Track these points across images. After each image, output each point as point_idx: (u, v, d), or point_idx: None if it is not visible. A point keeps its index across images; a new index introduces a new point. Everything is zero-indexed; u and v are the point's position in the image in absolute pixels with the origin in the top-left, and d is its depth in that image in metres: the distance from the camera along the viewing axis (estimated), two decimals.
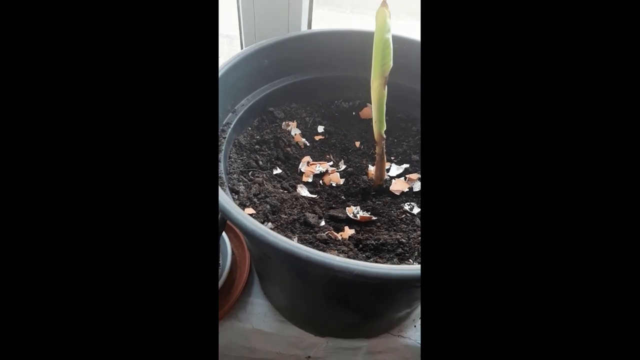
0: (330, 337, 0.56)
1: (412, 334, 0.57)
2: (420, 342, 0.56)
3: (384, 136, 0.44)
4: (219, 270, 0.58)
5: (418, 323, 0.58)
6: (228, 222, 0.66)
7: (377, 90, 0.41)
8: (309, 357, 0.57)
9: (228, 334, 0.56)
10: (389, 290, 0.39)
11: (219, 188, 0.34)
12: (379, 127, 0.43)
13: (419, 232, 0.43)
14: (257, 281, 0.61)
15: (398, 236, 0.42)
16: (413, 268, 0.30)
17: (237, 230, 0.65)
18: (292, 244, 0.30)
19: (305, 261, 0.29)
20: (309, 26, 0.65)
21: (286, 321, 0.57)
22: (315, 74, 0.57)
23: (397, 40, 0.53)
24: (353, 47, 0.55)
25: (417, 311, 0.59)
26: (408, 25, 0.81)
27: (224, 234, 0.63)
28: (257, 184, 0.45)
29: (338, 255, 0.34)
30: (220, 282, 0.56)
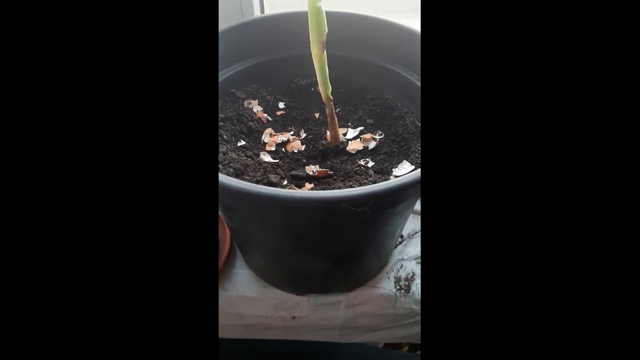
0: (310, 294, 0.60)
1: (386, 284, 0.61)
2: (394, 291, 0.61)
3: (331, 97, 0.49)
4: None
5: (392, 275, 0.62)
6: None
7: (318, 54, 0.46)
8: (294, 317, 0.61)
9: None
10: (335, 223, 0.44)
11: None
12: (325, 90, 0.48)
13: (370, 179, 0.47)
14: (240, 256, 0.65)
15: (351, 183, 0.46)
16: (350, 190, 0.34)
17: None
18: (244, 183, 0.34)
19: (257, 196, 0.34)
20: (262, 11, 0.69)
21: (268, 285, 0.61)
22: (272, 55, 0.62)
23: (346, 16, 0.59)
24: (305, 27, 0.60)
25: (390, 265, 0.63)
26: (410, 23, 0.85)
27: None
28: (221, 153, 0.49)
29: None
30: None
